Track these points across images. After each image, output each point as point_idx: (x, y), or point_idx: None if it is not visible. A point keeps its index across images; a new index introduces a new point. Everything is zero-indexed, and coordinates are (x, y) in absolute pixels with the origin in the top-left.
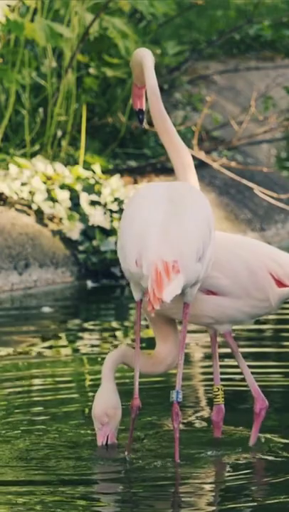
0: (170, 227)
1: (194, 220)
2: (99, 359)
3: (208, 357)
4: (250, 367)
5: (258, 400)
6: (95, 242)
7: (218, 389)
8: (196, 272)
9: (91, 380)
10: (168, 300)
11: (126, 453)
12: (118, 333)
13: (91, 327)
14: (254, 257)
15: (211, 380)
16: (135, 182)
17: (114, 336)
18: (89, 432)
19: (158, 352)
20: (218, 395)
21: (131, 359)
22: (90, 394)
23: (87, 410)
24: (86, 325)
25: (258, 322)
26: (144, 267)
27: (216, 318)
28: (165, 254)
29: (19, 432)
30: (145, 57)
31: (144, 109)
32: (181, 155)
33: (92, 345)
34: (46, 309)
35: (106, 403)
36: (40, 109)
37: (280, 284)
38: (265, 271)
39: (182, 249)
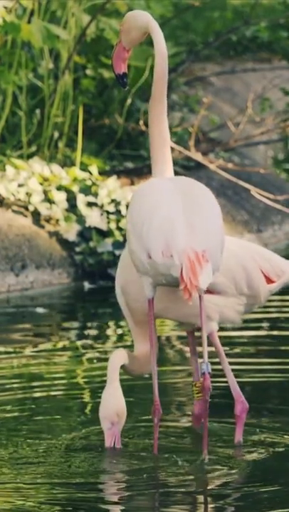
0: (194, 219)
1: (213, 212)
2: (95, 360)
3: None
4: (246, 364)
5: (238, 403)
6: (91, 244)
7: (201, 384)
8: (219, 262)
9: (88, 380)
10: (204, 287)
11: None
12: (115, 334)
13: (88, 328)
14: (247, 254)
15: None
16: (132, 183)
17: (111, 337)
18: (86, 433)
19: (141, 353)
20: (199, 391)
21: (129, 361)
22: (88, 394)
23: (84, 410)
24: (83, 326)
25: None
26: (176, 256)
27: (208, 316)
28: (194, 244)
29: (14, 433)
30: (152, 22)
31: (126, 72)
32: (167, 148)
33: (89, 346)
34: (40, 310)
35: (116, 403)
36: (37, 111)
37: (269, 280)
38: (257, 268)
39: (209, 239)
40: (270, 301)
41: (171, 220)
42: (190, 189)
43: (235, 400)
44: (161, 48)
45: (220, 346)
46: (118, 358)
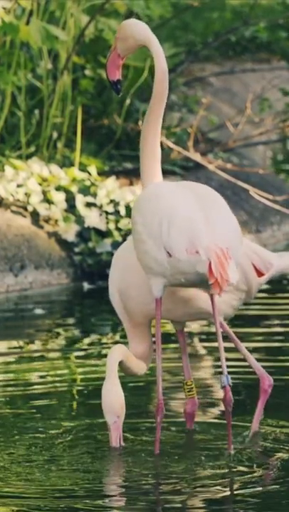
0: (213, 217)
1: (228, 210)
2: (93, 361)
3: (209, 350)
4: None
5: (264, 378)
6: (90, 244)
7: (192, 382)
8: (239, 260)
9: (87, 380)
10: (234, 281)
11: (156, 451)
12: (114, 334)
13: (87, 328)
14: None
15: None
16: (131, 184)
17: (110, 338)
18: (87, 432)
19: (136, 353)
20: (192, 388)
21: (127, 359)
22: (87, 394)
23: (84, 410)
24: (82, 326)
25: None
26: (202, 252)
27: (208, 313)
28: (218, 241)
29: (12, 433)
30: (152, 37)
31: (120, 78)
32: (158, 149)
33: (88, 347)
34: (38, 311)
35: (121, 396)
36: (36, 111)
37: (259, 273)
38: (250, 263)
39: (231, 237)
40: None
41: (192, 218)
42: (200, 190)
43: (260, 377)
44: (162, 65)
45: (230, 331)
46: (118, 352)
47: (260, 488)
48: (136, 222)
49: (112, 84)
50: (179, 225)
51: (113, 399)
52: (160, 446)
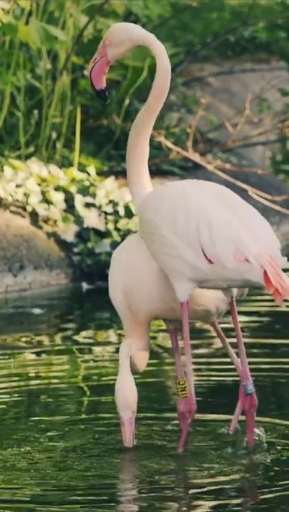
0: (251, 222)
1: (258, 213)
2: (91, 362)
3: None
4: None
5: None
6: (89, 244)
7: (184, 381)
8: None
9: (87, 380)
10: None
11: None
12: (113, 335)
13: (86, 328)
14: None
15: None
16: None
17: (110, 338)
18: (89, 433)
19: (137, 350)
20: (184, 387)
21: (133, 354)
22: (87, 394)
23: (83, 410)
24: (81, 326)
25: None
26: (253, 260)
27: (209, 311)
28: (266, 248)
29: (11, 434)
30: (151, 36)
31: (105, 86)
32: (148, 148)
33: (87, 347)
34: (36, 311)
35: (135, 391)
36: (35, 111)
37: None
38: None
39: (275, 243)
40: None
41: (231, 223)
42: (226, 193)
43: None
44: (165, 62)
45: (222, 332)
46: (129, 348)
47: (274, 489)
48: (159, 227)
49: (99, 93)
50: (221, 231)
51: (128, 394)
52: (163, 444)
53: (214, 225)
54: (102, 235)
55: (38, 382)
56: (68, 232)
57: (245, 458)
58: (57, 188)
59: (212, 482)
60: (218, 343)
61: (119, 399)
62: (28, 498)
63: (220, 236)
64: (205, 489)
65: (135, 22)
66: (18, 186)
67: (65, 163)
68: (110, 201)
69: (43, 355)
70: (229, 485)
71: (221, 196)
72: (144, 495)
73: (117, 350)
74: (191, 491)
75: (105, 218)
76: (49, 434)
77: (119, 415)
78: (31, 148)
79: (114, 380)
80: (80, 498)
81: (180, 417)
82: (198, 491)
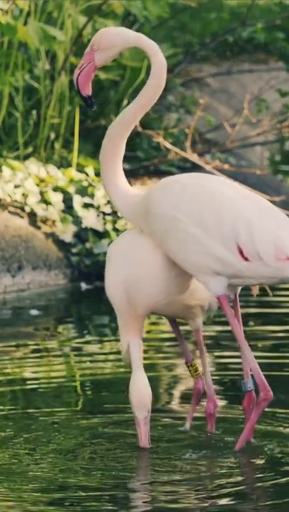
0: (281, 222)
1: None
2: (92, 361)
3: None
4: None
5: (210, 400)
6: (88, 245)
7: (195, 363)
8: None
9: (87, 381)
10: None
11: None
12: (112, 335)
13: (85, 329)
14: None
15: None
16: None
17: (109, 338)
18: (91, 433)
19: None
20: (197, 368)
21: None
22: (86, 394)
23: (82, 410)
24: (80, 327)
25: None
26: None
27: (202, 306)
28: None
29: (11, 435)
30: (143, 37)
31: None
32: (124, 145)
33: (86, 347)
34: (34, 312)
35: (149, 390)
36: (34, 112)
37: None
38: None
39: None
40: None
41: (267, 220)
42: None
43: (208, 396)
44: (160, 59)
45: (203, 343)
46: (139, 346)
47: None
48: (186, 224)
49: (86, 99)
50: (260, 230)
51: (143, 393)
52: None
53: (252, 224)
54: (100, 235)
55: (36, 382)
56: (67, 233)
57: (263, 458)
58: (55, 189)
59: (225, 483)
60: (220, 341)
61: (134, 399)
62: (31, 499)
63: (260, 235)
64: (219, 490)
65: (133, 22)
66: (16, 187)
67: (63, 164)
68: (109, 202)
69: (42, 356)
70: (244, 485)
71: (238, 191)
72: (147, 494)
73: (117, 350)
74: (206, 490)
75: (104, 219)
76: (49, 434)
77: (134, 415)
78: (30, 149)
79: (114, 379)
80: (82, 497)
81: (195, 397)
82: (213, 491)
